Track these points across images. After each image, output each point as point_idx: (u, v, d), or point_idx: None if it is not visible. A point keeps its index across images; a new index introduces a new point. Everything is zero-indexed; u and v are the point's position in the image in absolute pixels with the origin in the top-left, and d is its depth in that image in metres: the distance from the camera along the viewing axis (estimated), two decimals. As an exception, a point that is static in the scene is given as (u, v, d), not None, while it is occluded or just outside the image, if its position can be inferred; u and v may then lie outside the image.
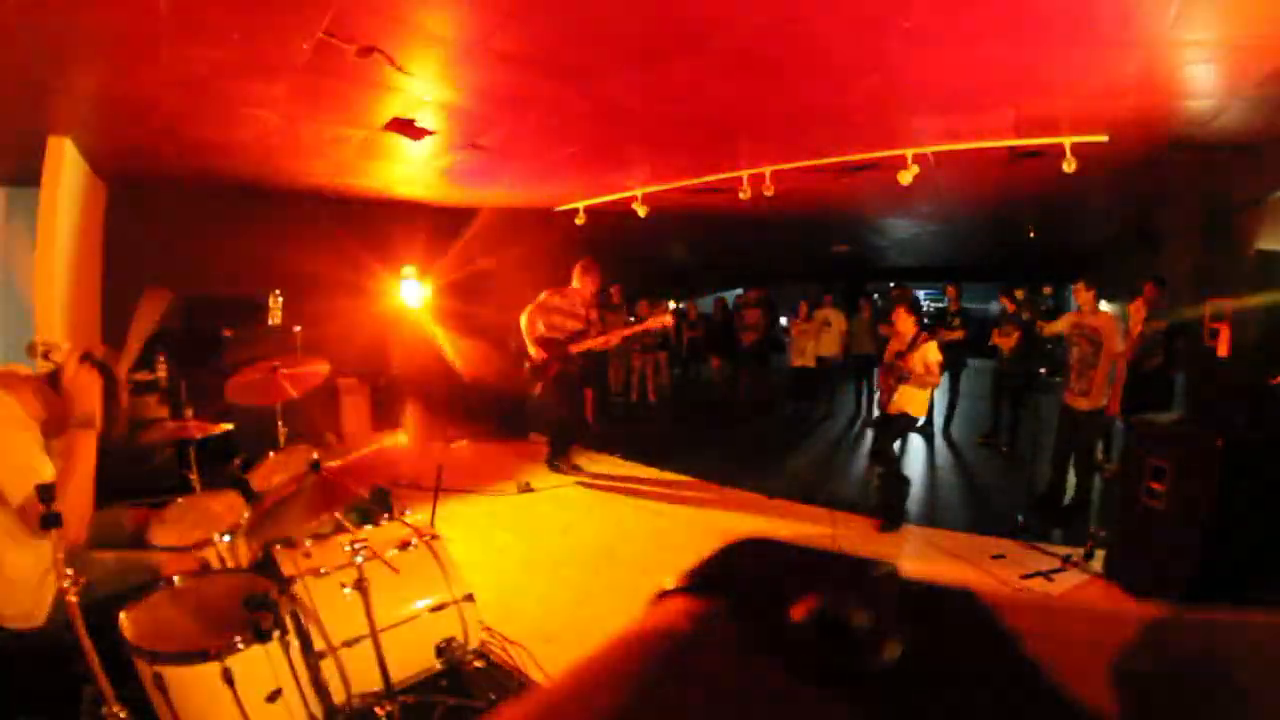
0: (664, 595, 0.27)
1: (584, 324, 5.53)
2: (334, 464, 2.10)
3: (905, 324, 4.49)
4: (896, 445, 4.85)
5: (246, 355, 4.46)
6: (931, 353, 4.36)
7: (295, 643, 1.92)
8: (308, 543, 2.42)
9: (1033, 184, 5.25)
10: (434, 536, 2.59)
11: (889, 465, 4.64)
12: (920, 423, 7.46)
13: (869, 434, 7.58)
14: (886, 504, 4.58)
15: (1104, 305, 4.81)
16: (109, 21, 2.43)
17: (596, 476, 5.71)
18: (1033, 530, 4.20)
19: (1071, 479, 4.83)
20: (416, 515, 2.75)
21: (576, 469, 5.79)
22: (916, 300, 4.80)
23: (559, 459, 5.85)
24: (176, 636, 1.75)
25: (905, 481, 4.77)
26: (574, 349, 5.50)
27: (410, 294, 6.51)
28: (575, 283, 5.57)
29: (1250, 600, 2.89)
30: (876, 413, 4.83)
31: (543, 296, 5.52)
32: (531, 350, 5.49)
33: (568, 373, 5.57)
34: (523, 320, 5.52)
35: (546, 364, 5.47)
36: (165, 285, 5.54)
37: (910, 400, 4.46)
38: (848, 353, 8.62)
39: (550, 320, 5.46)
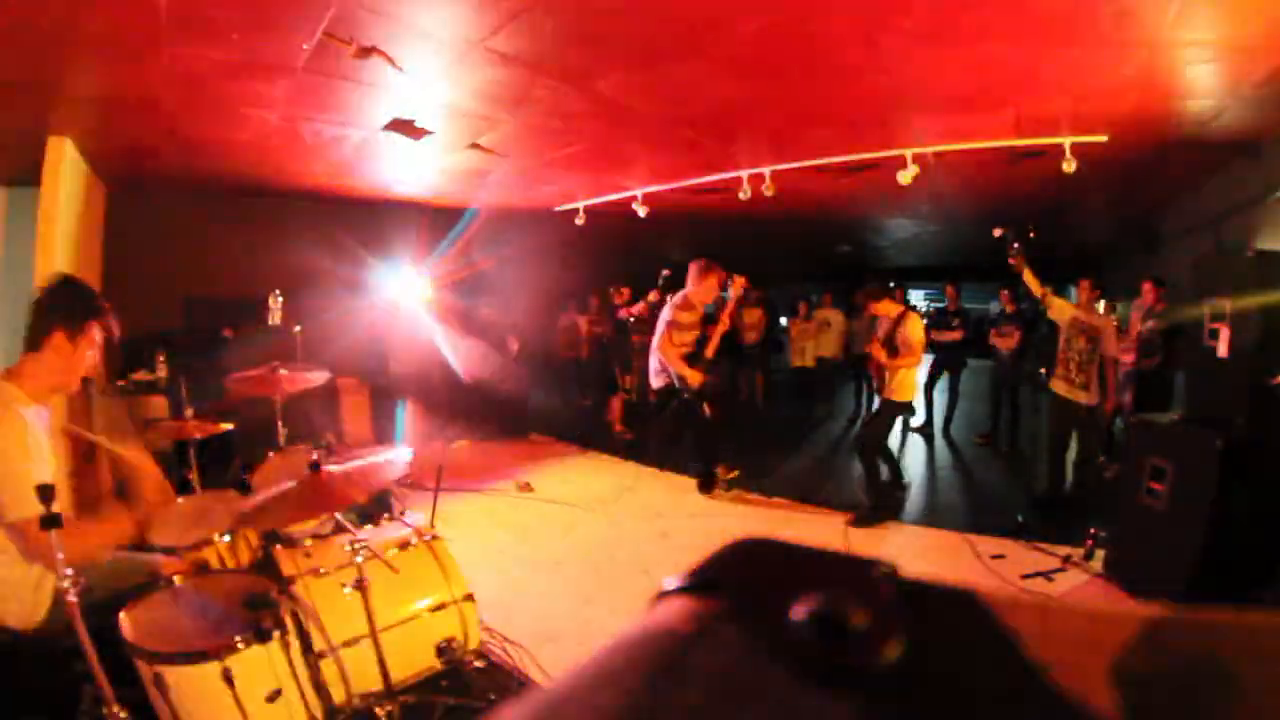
0: (664, 595, 0.27)
1: (700, 330, 5.10)
2: (334, 469, 2.09)
3: (886, 308, 4.58)
4: (895, 441, 4.86)
5: (247, 355, 4.46)
6: (914, 328, 4.43)
7: (295, 643, 1.92)
8: (308, 542, 2.42)
9: (1033, 184, 5.25)
10: (434, 536, 2.59)
11: (871, 455, 4.64)
12: (917, 417, 7.50)
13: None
14: (871, 494, 4.59)
15: (1100, 307, 4.83)
16: (109, 21, 2.43)
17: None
18: (1033, 530, 4.20)
19: (1071, 475, 4.84)
20: (416, 515, 2.75)
21: (729, 485, 5.28)
22: (887, 287, 4.80)
23: (711, 481, 5.31)
24: (176, 636, 1.75)
25: (893, 478, 4.77)
26: (710, 354, 5.08)
27: (410, 294, 6.51)
28: (692, 286, 5.04)
29: (1250, 600, 2.89)
30: (876, 402, 4.83)
31: (670, 315, 5.01)
32: (689, 376, 4.97)
33: (709, 387, 5.15)
34: (667, 350, 4.99)
35: (704, 384, 5.00)
36: (165, 285, 5.56)
37: (896, 384, 4.50)
38: (848, 353, 8.62)
39: (683, 339, 5.02)
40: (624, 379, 7.23)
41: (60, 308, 1.95)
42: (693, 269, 5.06)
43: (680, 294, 5.06)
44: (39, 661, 1.82)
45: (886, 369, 4.49)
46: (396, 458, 2.22)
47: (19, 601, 1.82)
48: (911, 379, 4.58)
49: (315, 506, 2.00)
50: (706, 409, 5.05)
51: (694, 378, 4.95)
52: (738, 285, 5.05)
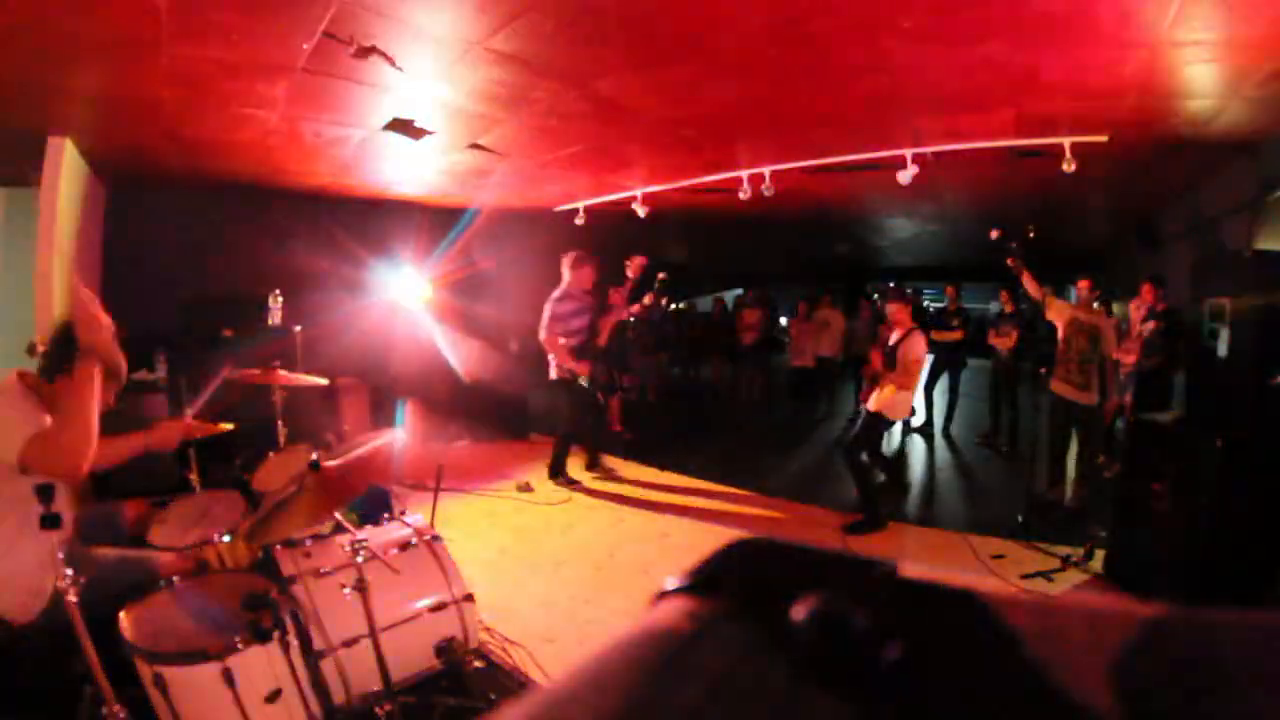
0: (664, 595, 0.27)
1: (591, 311, 5.25)
2: (333, 463, 2.09)
3: (902, 315, 4.52)
4: (892, 447, 4.81)
5: (247, 356, 4.46)
6: (918, 348, 4.34)
7: (295, 643, 1.92)
8: (308, 543, 2.42)
9: (1033, 184, 5.25)
10: (434, 537, 2.59)
11: (861, 468, 4.54)
12: (917, 417, 7.48)
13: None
14: (866, 506, 4.54)
15: (1097, 307, 4.83)
16: (109, 21, 2.43)
17: (591, 492, 5.43)
18: (1033, 530, 4.20)
19: (1071, 475, 4.83)
20: (416, 515, 2.76)
21: (574, 483, 5.47)
22: (915, 301, 4.79)
23: (560, 472, 5.54)
24: (176, 636, 1.75)
25: (890, 480, 4.73)
26: (601, 342, 5.27)
27: (410, 294, 6.51)
28: (567, 274, 5.25)
29: (1250, 600, 2.89)
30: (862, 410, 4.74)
31: (550, 309, 5.18)
32: (574, 367, 5.13)
33: (599, 378, 5.32)
34: (549, 342, 5.15)
35: (594, 371, 5.17)
36: (165, 285, 5.56)
37: (886, 400, 4.44)
38: (847, 353, 8.63)
39: (569, 327, 5.16)
40: (621, 378, 7.24)
41: (63, 352, 1.86)
42: (565, 260, 5.29)
43: (559, 288, 5.27)
44: (39, 661, 1.82)
45: (879, 379, 4.44)
46: (390, 441, 2.22)
47: (15, 594, 1.82)
48: (903, 400, 4.47)
49: (320, 509, 2.00)
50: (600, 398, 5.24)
51: (581, 369, 5.13)
52: (634, 265, 5.33)
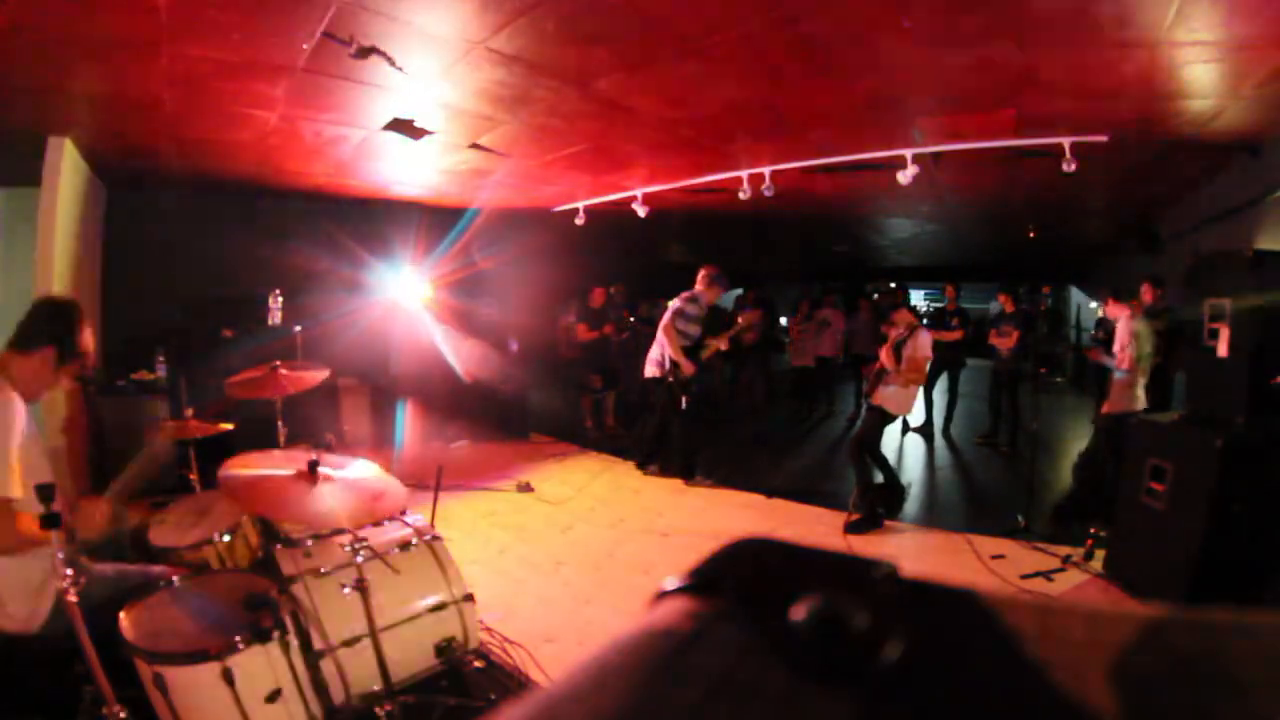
0: (664, 595, 0.27)
1: (700, 331, 5.48)
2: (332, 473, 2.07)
3: (905, 316, 4.58)
4: (894, 441, 4.80)
5: (247, 356, 4.46)
6: (925, 346, 4.37)
7: (295, 643, 1.92)
8: (308, 543, 2.42)
9: (1033, 184, 5.25)
10: (434, 537, 2.59)
11: (859, 460, 4.57)
12: (914, 421, 7.48)
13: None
14: (864, 502, 4.53)
15: (1099, 308, 4.81)
16: (109, 22, 2.43)
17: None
18: (1033, 530, 4.20)
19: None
20: (416, 515, 2.75)
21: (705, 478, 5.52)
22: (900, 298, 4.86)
23: (691, 471, 5.56)
24: (176, 636, 1.75)
25: (889, 481, 4.73)
26: (706, 356, 5.51)
27: (410, 294, 6.51)
28: (700, 286, 5.44)
29: (1250, 600, 2.89)
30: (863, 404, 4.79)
31: (678, 303, 5.36)
32: (682, 362, 5.28)
33: (690, 384, 5.52)
34: (670, 333, 5.29)
35: (691, 375, 5.37)
36: (165, 285, 5.56)
37: (890, 395, 4.45)
38: (848, 353, 8.62)
39: (687, 329, 5.36)
40: (593, 379, 7.35)
41: (60, 328, 1.97)
42: (703, 274, 5.48)
43: (692, 291, 5.46)
44: (39, 662, 1.81)
45: (887, 375, 4.45)
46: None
47: (21, 605, 1.82)
48: (908, 396, 4.50)
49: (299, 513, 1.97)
50: (684, 401, 5.40)
51: (687, 367, 5.31)
52: (748, 318, 5.83)
